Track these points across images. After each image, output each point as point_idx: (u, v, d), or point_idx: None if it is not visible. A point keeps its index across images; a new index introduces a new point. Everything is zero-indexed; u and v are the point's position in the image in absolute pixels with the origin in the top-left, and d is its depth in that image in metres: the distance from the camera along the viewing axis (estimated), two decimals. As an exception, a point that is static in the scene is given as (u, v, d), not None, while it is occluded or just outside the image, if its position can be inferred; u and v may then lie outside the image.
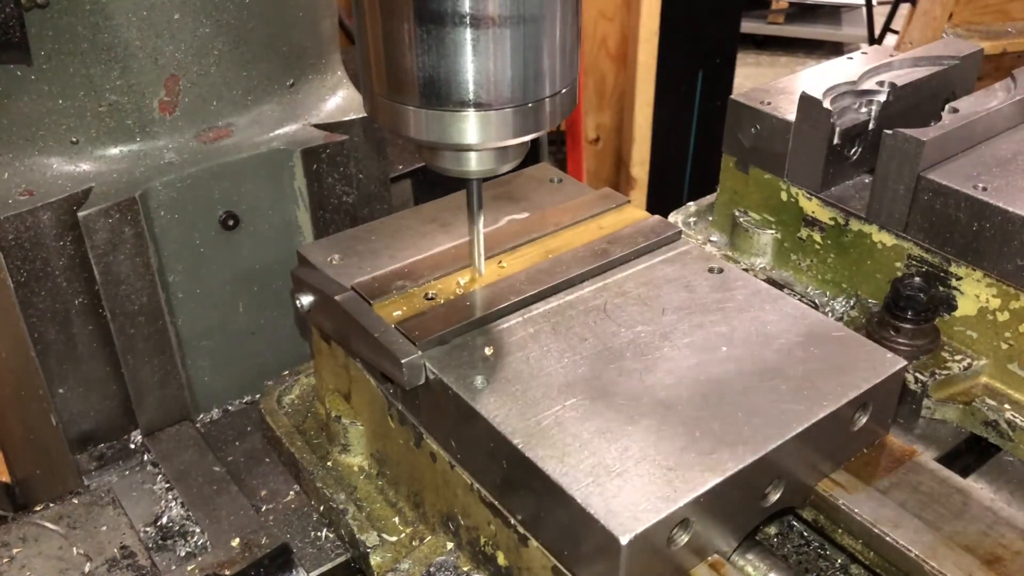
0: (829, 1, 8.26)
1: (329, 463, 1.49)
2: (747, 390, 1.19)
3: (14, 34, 1.39)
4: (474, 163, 1.23)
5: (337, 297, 1.32)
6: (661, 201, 4.53)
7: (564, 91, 1.18)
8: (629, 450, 1.11)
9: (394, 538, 1.36)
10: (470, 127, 1.13)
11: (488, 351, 1.26)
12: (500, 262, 1.42)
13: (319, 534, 1.44)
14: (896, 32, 5.99)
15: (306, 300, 1.39)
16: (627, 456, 1.10)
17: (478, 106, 1.11)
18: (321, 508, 1.46)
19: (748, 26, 7.75)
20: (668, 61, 4.26)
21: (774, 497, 1.18)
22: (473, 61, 1.08)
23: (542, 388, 1.20)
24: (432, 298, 1.33)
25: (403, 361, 1.21)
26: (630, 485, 1.06)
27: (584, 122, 4.49)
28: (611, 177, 4.72)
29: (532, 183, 1.60)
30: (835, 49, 8.17)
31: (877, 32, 6.73)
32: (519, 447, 1.11)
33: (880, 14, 6.77)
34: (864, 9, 7.04)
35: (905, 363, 1.24)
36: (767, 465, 1.13)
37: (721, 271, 1.40)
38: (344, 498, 1.41)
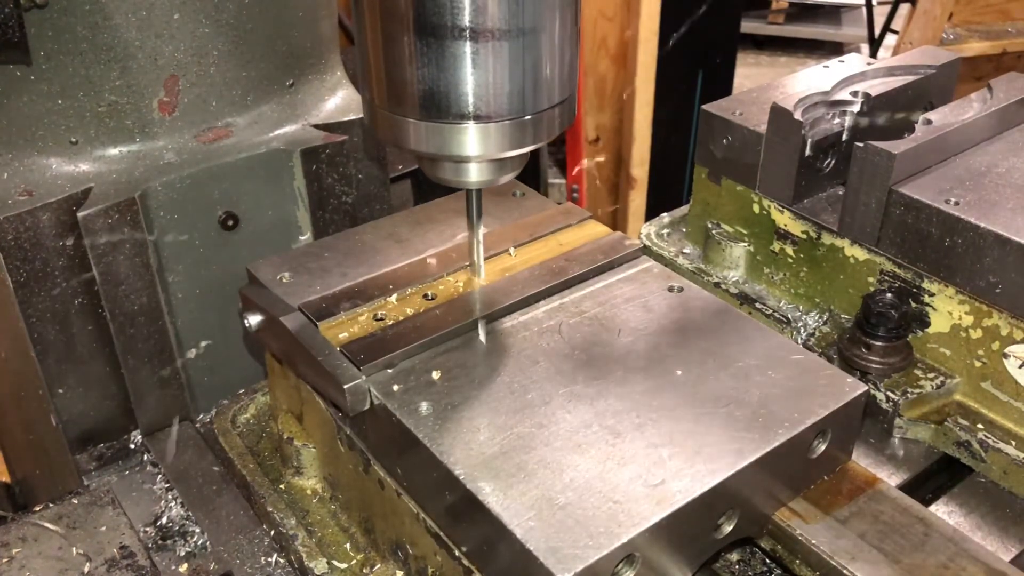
0: (829, 1, 8.20)
1: (282, 486, 1.45)
2: (700, 417, 1.15)
3: (14, 34, 1.39)
4: (473, 174, 1.22)
5: (282, 318, 1.28)
6: (661, 201, 4.49)
7: (563, 102, 1.17)
8: (575, 482, 1.07)
9: (344, 565, 1.33)
10: (470, 139, 1.13)
11: (435, 375, 1.22)
12: (456, 281, 1.38)
13: (269, 559, 1.40)
14: (896, 32, 5.93)
15: (254, 320, 1.35)
16: (572, 488, 1.06)
17: (477, 118, 1.11)
18: (272, 533, 1.42)
19: (748, 26, 7.71)
20: (668, 61, 4.22)
21: (728, 528, 1.14)
22: (473, 74, 1.08)
23: (489, 415, 1.16)
24: (381, 319, 1.29)
25: (346, 387, 1.17)
26: (573, 519, 1.02)
27: (584, 122, 4.47)
28: (611, 177, 4.69)
29: (493, 197, 1.56)
30: (835, 49, 8.12)
31: (877, 32, 6.67)
32: (461, 478, 1.08)
33: (880, 14, 6.71)
34: (864, 9, 6.98)
35: (866, 388, 1.20)
36: (718, 496, 1.09)
37: (681, 290, 1.36)
38: (294, 523, 1.38)
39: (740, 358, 1.24)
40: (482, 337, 1.28)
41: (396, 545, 1.27)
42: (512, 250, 1.43)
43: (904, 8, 5.36)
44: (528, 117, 1.13)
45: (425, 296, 1.34)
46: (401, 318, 1.29)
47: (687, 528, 1.08)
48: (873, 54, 6.61)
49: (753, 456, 1.10)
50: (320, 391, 1.30)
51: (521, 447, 1.11)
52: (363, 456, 1.27)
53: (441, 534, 1.16)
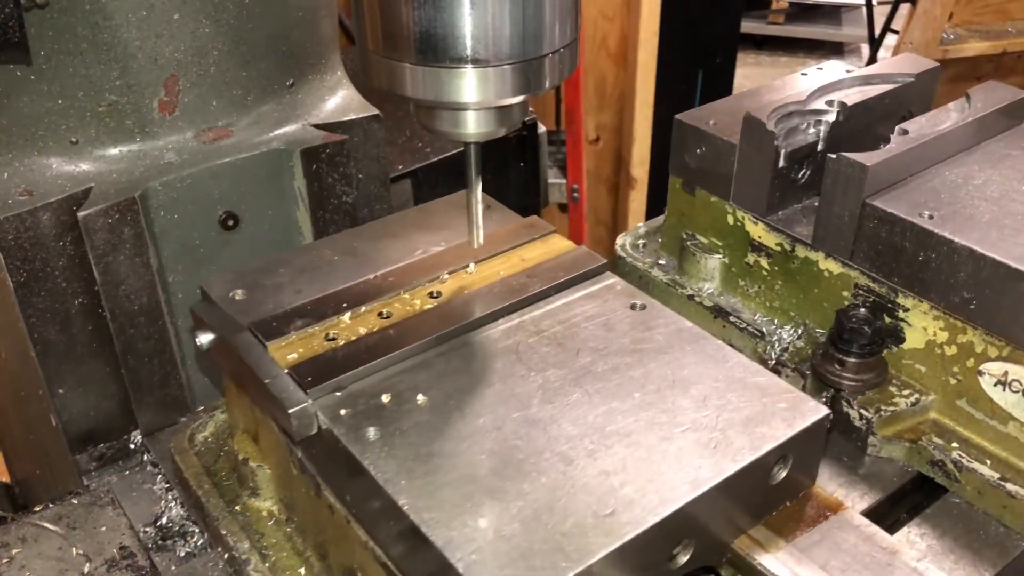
0: (829, 1, 8.16)
1: (238, 507, 1.41)
2: (656, 442, 1.11)
3: (14, 34, 1.38)
4: (471, 124, 1.18)
5: (230, 338, 1.24)
6: (661, 201, 4.45)
7: (564, 49, 1.13)
8: (523, 512, 1.03)
9: (297, 591, 1.29)
10: (467, 84, 1.09)
11: (386, 399, 1.18)
12: (412, 299, 1.34)
13: (221, 584, 1.38)
14: (896, 32, 5.89)
15: (205, 339, 1.32)
16: (519, 519, 1.03)
17: (476, 62, 1.07)
18: (226, 556, 1.39)
19: (748, 26, 7.67)
20: (668, 61, 4.20)
21: (684, 559, 1.10)
22: (471, 15, 1.04)
23: (439, 441, 1.12)
24: (333, 339, 1.26)
25: (291, 411, 1.14)
26: (517, 552, 0.99)
27: (584, 122, 4.44)
28: (611, 177, 4.67)
29: (455, 210, 1.52)
30: (835, 49, 8.08)
31: (877, 32, 6.62)
32: (404, 508, 1.04)
33: (880, 14, 6.67)
34: (864, 9, 6.93)
35: (827, 412, 1.16)
36: (673, 526, 1.05)
37: (644, 307, 1.32)
38: (248, 547, 1.34)
39: (700, 380, 1.20)
40: (435, 357, 1.25)
41: (348, 572, 1.24)
42: (472, 266, 1.39)
43: (904, 8, 5.31)
44: (528, 61, 1.09)
45: (380, 315, 1.31)
46: (353, 338, 1.26)
47: (638, 560, 1.04)
48: (873, 54, 6.57)
49: (709, 484, 1.07)
50: (270, 414, 1.26)
51: (469, 476, 1.08)
52: (314, 480, 1.24)
53: (389, 563, 1.13)
